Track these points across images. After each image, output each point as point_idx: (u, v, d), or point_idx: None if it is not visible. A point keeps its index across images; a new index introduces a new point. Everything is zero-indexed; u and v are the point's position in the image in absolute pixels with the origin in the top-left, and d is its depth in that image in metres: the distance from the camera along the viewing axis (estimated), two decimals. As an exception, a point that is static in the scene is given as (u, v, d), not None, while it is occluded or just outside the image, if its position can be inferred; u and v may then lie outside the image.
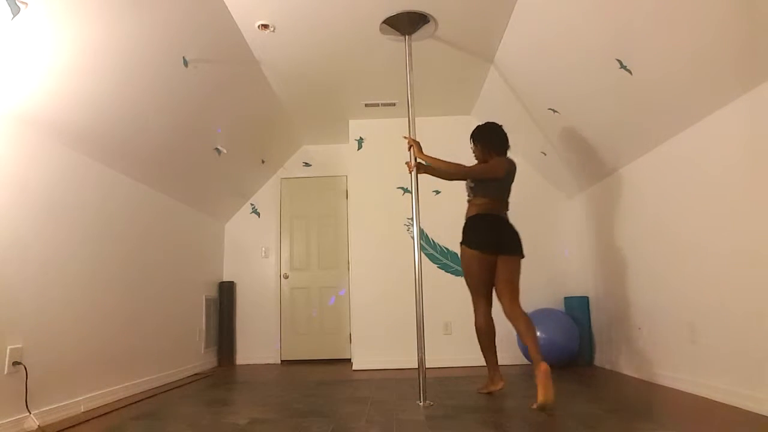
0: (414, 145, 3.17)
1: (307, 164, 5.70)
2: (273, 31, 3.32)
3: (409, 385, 3.56)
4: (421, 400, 2.87)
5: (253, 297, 5.44)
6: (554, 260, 4.72)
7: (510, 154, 3.12)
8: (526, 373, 3.96)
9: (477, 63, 3.90)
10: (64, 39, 2.38)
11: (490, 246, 3.01)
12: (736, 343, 2.58)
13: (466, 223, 3.13)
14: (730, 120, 2.59)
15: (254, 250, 5.55)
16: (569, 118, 3.70)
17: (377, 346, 4.65)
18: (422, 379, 2.90)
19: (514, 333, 4.61)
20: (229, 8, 3.06)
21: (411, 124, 3.26)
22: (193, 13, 2.88)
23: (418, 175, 3.17)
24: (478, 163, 3.24)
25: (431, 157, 3.14)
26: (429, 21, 3.27)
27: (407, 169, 3.15)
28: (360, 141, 5.01)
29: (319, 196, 5.62)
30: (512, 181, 3.20)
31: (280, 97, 4.37)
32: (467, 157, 4.76)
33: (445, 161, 3.11)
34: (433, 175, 3.26)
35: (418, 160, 3.18)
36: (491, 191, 3.12)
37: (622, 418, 2.36)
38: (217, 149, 4.22)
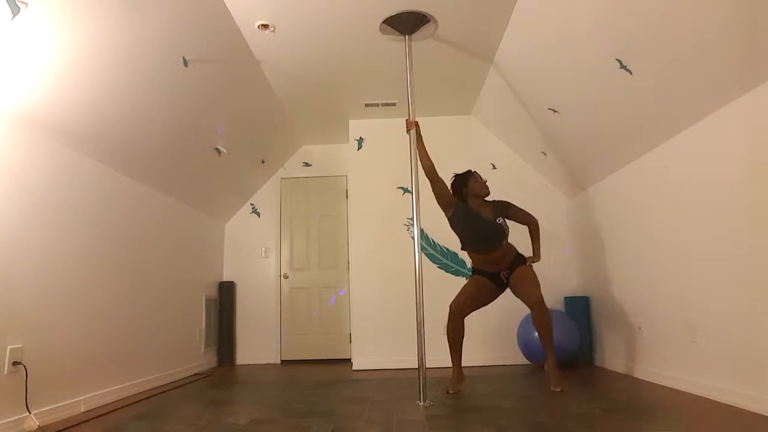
0: (415, 125, 3.26)
1: (307, 164, 5.70)
2: (273, 31, 3.32)
3: (409, 385, 3.56)
4: (421, 400, 2.87)
5: (253, 297, 5.44)
6: (554, 260, 4.72)
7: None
8: (526, 374, 3.97)
9: (477, 63, 3.90)
10: (64, 38, 2.38)
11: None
12: (736, 343, 2.58)
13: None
14: (731, 119, 2.59)
15: (254, 250, 5.55)
16: (569, 118, 3.70)
17: (377, 346, 4.65)
18: (422, 379, 2.90)
19: (514, 333, 4.61)
20: (229, 8, 3.05)
21: (411, 116, 3.31)
22: (193, 13, 2.88)
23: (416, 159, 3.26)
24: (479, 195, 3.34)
25: (423, 146, 3.31)
26: (429, 21, 3.27)
27: (407, 127, 3.29)
28: (360, 141, 5.01)
29: (319, 196, 5.62)
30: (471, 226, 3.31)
31: (280, 97, 4.37)
32: (467, 157, 4.76)
33: (427, 155, 3.28)
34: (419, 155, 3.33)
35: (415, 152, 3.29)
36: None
37: (622, 418, 2.36)
38: (217, 149, 4.22)
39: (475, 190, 3.28)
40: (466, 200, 3.32)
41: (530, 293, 3.17)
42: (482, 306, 3.36)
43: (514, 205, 3.37)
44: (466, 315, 3.31)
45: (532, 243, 3.38)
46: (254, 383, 3.89)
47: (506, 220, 3.30)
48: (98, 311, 3.16)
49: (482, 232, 3.25)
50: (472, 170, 3.39)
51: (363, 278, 4.77)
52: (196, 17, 2.92)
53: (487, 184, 3.34)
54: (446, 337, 3.34)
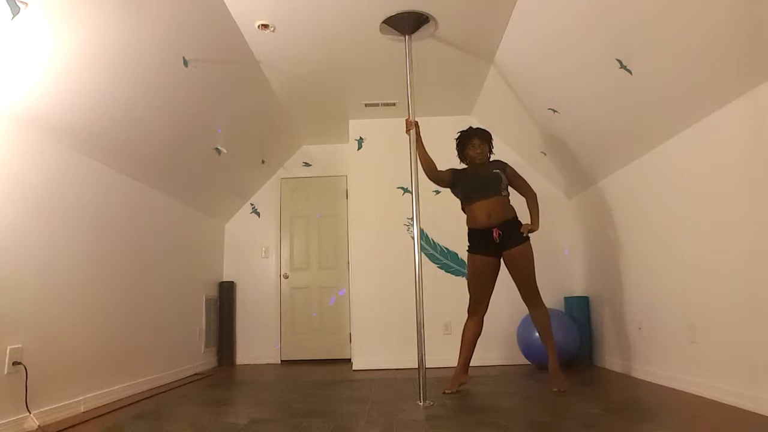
0: (415, 126, 3.26)
1: (307, 164, 5.70)
2: (273, 31, 3.32)
3: (409, 385, 3.56)
4: (421, 400, 2.87)
5: (253, 297, 5.44)
6: (554, 260, 4.72)
7: (509, 155, 3.13)
8: (526, 374, 3.97)
9: (477, 63, 3.90)
10: (64, 38, 2.38)
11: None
12: (736, 343, 2.58)
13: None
14: (731, 120, 2.59)
15: (254, 250, 5.55)
16: (569, 118, 3.70)
17: (377, 346, 4.65)
18: (422, 379, 2.90)
19: (514, 333, 4.61)
20: (229, 8, 3.06)
21: (411, 116, 3.31)
22: (193, 13, 2.88)
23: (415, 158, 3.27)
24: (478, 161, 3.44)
25: (422, 145, 3.36)
26: (429, 21, 3.27)
27: (407, 127, 3.28)
28: (360, 141, 5.01)
29: (319, 196, 5.62)
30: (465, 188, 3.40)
31: (280, 97, 4.37)
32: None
33: (425, 154, 3.37)
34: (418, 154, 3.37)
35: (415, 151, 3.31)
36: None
37: (622, 418, 2.36)
38: (217, 149, 4.22)
39: (469, 156, 3.43)
40: (467, 163, 3.49)
41: (529, 292, 3.19)
42: (493, 285, 3.30)
43: (513, 168, 3.42)
44: (485, 308, 3.29)
45: (531, 213, 3.34)
46: (254, 383, 3.89)
47: (503, 175, 3.33)
48: (98, 311, 3.16)
49: (478, 181, 3.31)
50: (473, 130, 3.43)
51: (363, 278, 4.78)
52: (196, 17, 2.92)
53: (491, 151, 3.45)
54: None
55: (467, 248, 3.35)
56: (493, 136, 3.54)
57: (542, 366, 4.18)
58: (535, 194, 3.39)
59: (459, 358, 3.29)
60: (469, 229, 3.36)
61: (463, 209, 3.44)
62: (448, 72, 4.06)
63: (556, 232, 4.78)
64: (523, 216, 3.42)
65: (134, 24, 2.62)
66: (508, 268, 3.27)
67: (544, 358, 4.05)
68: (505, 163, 3.42)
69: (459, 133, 3.50)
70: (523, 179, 3.41)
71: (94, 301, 3.12)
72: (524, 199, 3.41)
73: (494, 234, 3.22)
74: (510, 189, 3.40)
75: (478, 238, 3.29)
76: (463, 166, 3.59)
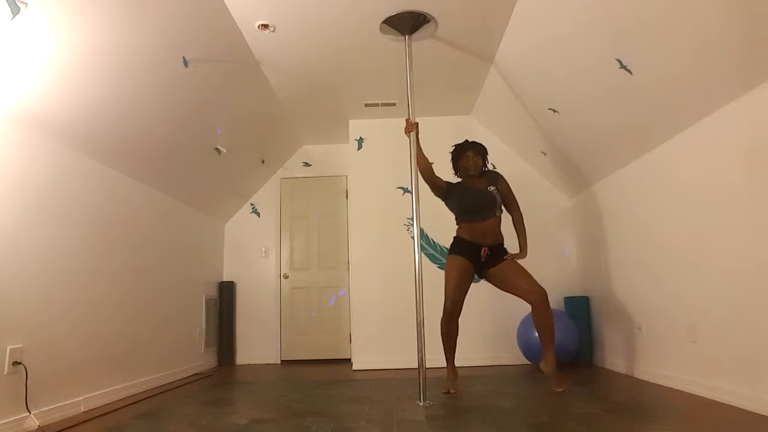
0: (415, 127, 3.27)
1: (307, 164, 5.70)
2: (273, 31, 3.32)
3: (409, 385, 3.57)
4: (421, 400, 2.87)
5: (253, 297, 5.44)
6: (554, 260, 4.72)
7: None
8: (526, 374, 3.97)
9: (477, 63, 3.90)
10: (64, 38, 2.38)
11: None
12: (736, 343, 2.58)
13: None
14: (730, 120, 2.59)
15: (254, 250, 5.55)
16: (569, 118, 3.70)
17: (377, 346, 4.65)
18: (422, 379, 2.90)
19: (514, 333, 4.61)
20: (229, 8, 3.06)
21: (411, 116, 3.30)
22: (193, 13, 2.88)
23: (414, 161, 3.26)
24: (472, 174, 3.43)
25: (420, 148, 3.31)
26: (429, 21, 3.27)
27: (407, 129, 3.28)
28: (360, 141, 5.01)
29: (319, 196, 5.62)
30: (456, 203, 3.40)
31: (280, 97, 4.37)
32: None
33: (423, 156, 3.30)
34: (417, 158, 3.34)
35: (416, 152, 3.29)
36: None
37: (622, 418, 2.36)
38: (217, 149, 4.22)
39: (463, 168, 3.41)
40: (460, 175, 3.47)
41: (532, 289, 3.13)
42: (468, 289, 3.30)
43: (506, 180, 3.40)
44: (461, 309, 3.29)
45: (519, 236, 3.34)
46: (254, 383, 3.89)
47: (498, 193, 3.32)
48: (98, 311, 3.16)
49: (474, 201, 3.30)
50: (468, 143, 3.41)
51: (363, 278, 4.77)
52: (196, 17, 2.92)
53: (486, 161, 3.41)
54: (441, 336, 3.32)
55: (450, 250, 3.34)
56: (493, 138, 3.52)
57: (537, 365, 4.17)
58: (522, 216, 3.38)
59: (447, 358, 3.31)
60: (459, 237, 3.35)
61: (457, 222, 3.43)
62: (448, 72, 4.06)
63: (556, 232, 4.78)
64: (509, 237, 3.39)
65: (134, 24, 2.62)
66: (497, 283, 3.28)
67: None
68: (499, 176, 3.39)
69: (454, 146, 3.48)
70: (513, 196, 3.40)
71: (94, 301, 3.12)
72: (510, 215, 3.39)
73: (482, 252, 3.24)
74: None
75: (465, 246, 3.29)
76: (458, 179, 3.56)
